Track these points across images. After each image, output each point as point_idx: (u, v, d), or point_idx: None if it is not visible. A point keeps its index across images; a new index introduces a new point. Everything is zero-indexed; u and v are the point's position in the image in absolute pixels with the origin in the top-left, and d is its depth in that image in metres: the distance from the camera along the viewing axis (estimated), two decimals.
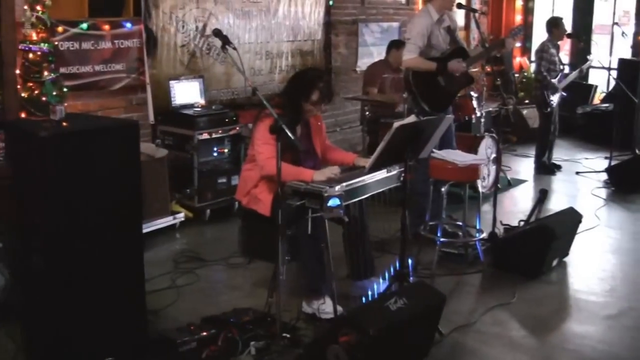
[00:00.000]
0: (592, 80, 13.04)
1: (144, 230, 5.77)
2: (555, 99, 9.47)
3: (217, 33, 4.74)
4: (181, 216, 7.00)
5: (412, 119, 5.00)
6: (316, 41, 9.29)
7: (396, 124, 4.65)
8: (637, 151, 10.56)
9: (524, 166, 10.14)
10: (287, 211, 4.61)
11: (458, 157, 6.06)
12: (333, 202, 4.61)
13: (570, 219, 6.49)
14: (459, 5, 6.84)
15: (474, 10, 7.62)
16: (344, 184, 4.80)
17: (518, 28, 7.36)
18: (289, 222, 4.74)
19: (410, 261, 5.45)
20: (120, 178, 4.24)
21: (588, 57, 9.95)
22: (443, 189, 6.10)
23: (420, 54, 6.63)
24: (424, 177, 6.16)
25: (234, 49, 4.62)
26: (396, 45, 8.80)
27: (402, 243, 5.07)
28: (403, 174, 5.08)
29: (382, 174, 5.12)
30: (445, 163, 6.00)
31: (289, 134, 4.32)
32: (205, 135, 7.15)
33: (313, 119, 5.39)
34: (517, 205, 8.23)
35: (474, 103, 8.18)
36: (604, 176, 9.38)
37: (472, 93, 8.16)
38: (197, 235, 6.95)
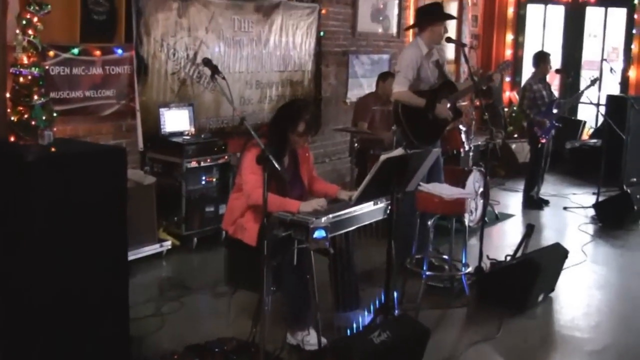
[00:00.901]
0: (580, 115, 13.12)
1: (131, 257, 5.75)
2: (546, 133, 9.50)
3: (207, 62, 4.75)
4: (168, 244, 6.98)
5: (399, 151, 5.01)
6: (306, 71, 9.33)
7: (383, 157, 4.67)
8: (624, 187, 10.60)
9: (512, 200, 10.16)
10: (272, 241, 4.61)
11: (445, 190, 6.07)
12: (319, 233, 4.61)
13: (557, 254, 6.50)
14: (448, 39, 6.89)
15: (463, 45, 7.65)
16: (330, 215, 4.80)
17: (506, 63, 7.42)
18: (275, 253, 4.73)
19: (395, 294, 5.44)
20: (106, 204, 4.24)
21: (590, 78, 9.99)
22: (429, 222, 6.10)
23: (410, 86, 6.66)
24: (411, 210, 6.16)
25: (223, 78, 4.62)
26: (383, 78, 8.85)
27: (388, 275, 5.05)
28: (390, 207, 5.08)
29: (369, 206, 5.13)
30: (432, 196, 6.00)
31: (276, 164, 4.32)
32: (194, 163, 7.15)
33: (301, 149, 5.40)
34: (505, 239, 8.25)
35: (463, 136, 8.24)
36: (592, 212, 9.41)
37: (461, 126, 8.21)
38: (184, 263, 6.93)
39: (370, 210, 5.17)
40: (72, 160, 4.13)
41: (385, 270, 5.07)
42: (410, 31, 11.21)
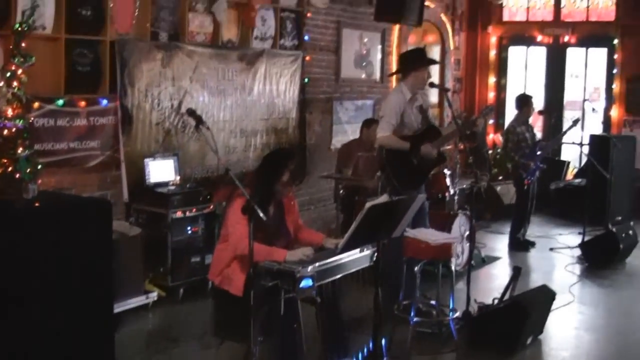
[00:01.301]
0: (564, 156, 13.21)
1: (117, 309, 5.72)
2: (531, 175, 9.56)
3: (191, 113, 4.79)
4: (154, 295, 6.91)
5: (384, 198, 5.03)
6: (291, 119, 9.36)
7: (368, 204, 4.68)
8: (609, 226, 10.63)
9: (498, 243, 10.17)
10: (259, 291, 4.59)
11: (431, 235, 6.09)
12: (305, 282, 4.62)
13: (544, 296, 6.51)
14: (432, 85, 6.95)
15: (446, 89, 7.76)
16: (317, 264, 4.81)
17: (489, 108, 7.48)
18: (262, 303, 4.72)
19: (383, 341, 5.41)
20: (92, 257, 4.23)
21: (572, 119, 10.11)
22: (416, 268, 6.10)
23: (394, 132, 6.69)
24: (397, 256, 6.16)
25: (208, 128, 4.67)
26: (367, 125, 8.88)
27: (375, 323, 5.04)
28: (376, 254, 5.08)
29: (355, 253, 5.14)
30: (418, 242, 6.02)
31: (261, 214, 4.33)
32: (179, 214, 7.13)
33: (286, 198, 5.42)
34: (492, 282, 8.24)
35: (448, 180, 8.26)
36: (578, 252, 9.43)
37: (446, 170, 8.24)
38: (170, 315, 6.86)
39: (357, 258, 5.18)
40: (57, 214, 4.12)
41: (373, 317, 5.05)
42: (394, 76, 11.34)
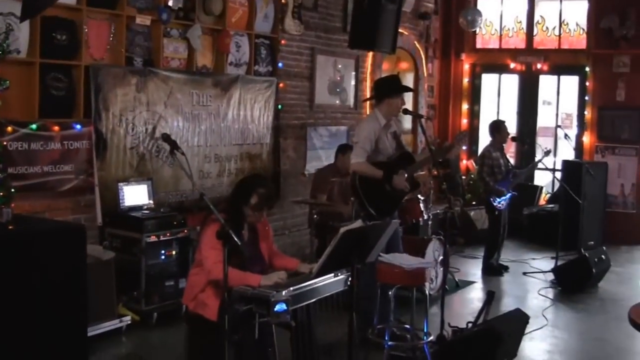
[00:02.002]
0: (537, 181, 13.32)
1: (90, 333, 5.68)
2: (503, 201, 9.64)
3: (166, 138, 4.80)
4: (128, 319, 6.86)
5: (358, 223, 5.06)
6: (265, 144, 9.38)
7: (342, 230, 4.71)
8: (582, 251, 10.73)
9: (472, 268, 10.22)
10: (234, 316, 4.59)
11: (405, 260, 6.11)
12: (280, 307, 4.61)
13: (517, 320, 6.51)
14: (405, 111, 6.99)
15: (420, 116, 7.79)
16: (291, 288, 4.81)
17: (462, 134, 7.55)
18: (236, 327, 4.71)
19: None
20: (66, 281, 4.20)
21: (544, 150, 10.23)
22: (390, 293, 6.12)
23: (367, 158, 6.72)
24: (371, 281, 6.17)
25: (182, 154, 4.68)
26: (342, 151, 8.92)
27: (350, 348, 5.04)
28: (350, 279, 5.10)
29: (329, 278, 5.16)
30: (392, 267, 6.04)
31: (236, 239, 4.34)
32: (153, 238, 7.11)
33: (260, 224, 5.43)
34: (466, 307, 8.28)
35: (421, 206, 8.31)
36: (551, 276, 9.50)
37: (420, 196, 8.29)
38: (144, 339, 6.82)
39: (331, 282, 5.19)
40: (32, 238, 4.11)
41: (347, 341, 5.05)
42: (368, 103, 11.41)
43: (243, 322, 4.77)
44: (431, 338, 6.30)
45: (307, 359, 5.33)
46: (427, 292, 6.30)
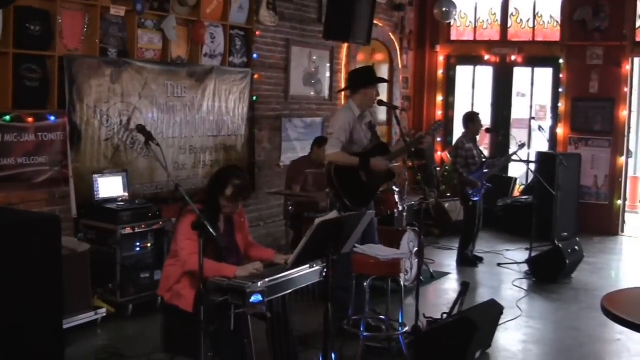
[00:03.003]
0: (511, 173, 13.40)
1: (65, 326, 5.65)
2: (478, 193, 9.68)
3: (141, 129, 4.78)
4: (103, 311, 6.85)
5: (334, 214, 5.07)
6: (240, 136, 9.36)
7: (318, 220, 4.72)
8: (556, 242, 10.82)
9: (447, 259, 10.27)
10: (209, 307, 4.59)
11: (380, 251, 6.14)
12: (255, 298, 4.62)
13: (492, 311, 6.59)
14: (380, 102, 7.00)
15: (395, 107, 7.82)
16: (267, 279, 4.81)
17: (437, 124, 7.54)
18: (212, 318, 4.72)
19: (333, 356, 5.43)
20: (42, 274, 4.18)
21: (518, 143, 10.30)
22: (365, 283, 6.14)
23: (342, 149, 6.73)
24: (346, 272, 6.19)
25: (157, 145, 4.66)
26: (318, 143, 8.93)
27: (325, 338, 5.05)
28: (325, 269, 5.11)
29: (305, 269, 5.17)
30: (368, 258, 6.06)
31: (211, 230, 4.33)
32: (129, 230, 7.09)
33: (236, 215, 5.43)
34: (440, 298, 8.32)
35: (396, 197, 8.33)
36: (525, 267, 9.58)
37: (395, 187, 8.31)
38: (120, 331, 6.80)
39: (306, 273, 5.20)
40: (6, 230, 4.07)
41: (323, 332, 5.07)
42: (343, 94, 11.42)
43: (219, 313, 4.77)
44: (407, 329, 6.33)
45: (283, 350, 5.35)
46: (402, 282, 6.32)
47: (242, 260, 5.36)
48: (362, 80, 6.91)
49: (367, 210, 6.30)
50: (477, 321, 6.06)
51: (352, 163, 6.69)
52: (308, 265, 5.18)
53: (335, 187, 6.69)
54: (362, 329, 6.11)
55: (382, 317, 6.62)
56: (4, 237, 4.02)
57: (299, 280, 5.14)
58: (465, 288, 6.82)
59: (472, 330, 6.00)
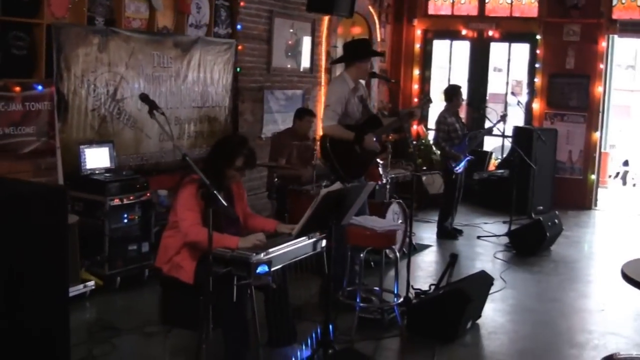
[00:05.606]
0: (486, 147, 13.50)
1: None
2: (460, 165, 9.74)
3: (144, 98, 4.70)
4: (91, 284, 6.78)
5: (337, 186, 5.07)
6: (223, 107, 9.29)
7: (324, 191, 4.73)
8: (532, 215, 10.96)
9: (425, 232, 10.32)
10: (212, 279, 4.56)
11: (376, 223, 6.16)
12: (262, 269, 4.62)
13: (483, 282, 6.66)
14: (373, 74, 6.99)
15: (388, 80, 7.81)
16: (270, 250, 4.80)
17: (427, 98, 7.51)
18: (214, 290, 4.69)
19: (331, 327, 5.45)
20: (48, 245, 4.15)
21: (500, 113, 10.38)
22: (362, 255, 6.17)
23: (338, 121, 6.70)
24: (341, 244, 6.19)
25: (162, 114, 4.61)
26: (299, 115, 8.94)
27: (326, 309, 5.08)
28: (326, 240, 5.13)
29: (304, 240, 5.16)
30: (363, 229, 6.08)
31: (222, 201, 4.29)
32: (117, 202, 7.02)
33: (235, 185, 5.39)
34: (424, 270, 8.37)
35: (380, 170, 8.35)
36: (504, 240, 9.69)
37: (378, 160, 8.33)
38: (109, 304, 6.76)
39: (307, 244, 5.20)
40: (12, 200, 4.02)
41: (324, 304, 5.10)
42: (323, 67, 11.40)
43: (221, 284, 4.74)
44: (401, 299, 6.36)
45: (282, 321, 5.36)
46: (397, 254, 6.37)
47: (241, 230, 5.33)
48: (358, 52, 6.86)
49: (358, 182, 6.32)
50: (471, 292, 6.14)
51: (347, 137, 6.65)
52: (307, 237, 5.17)
53: (331, 160, 6.65)
54: (358, 300, 6.15)
55: (376, 288, 6.66)
56: (10, 207, 3.97)
57: (300, 251, 5.14)
58: (454, 260, 6.88)
59: (465, 301, 6.07)
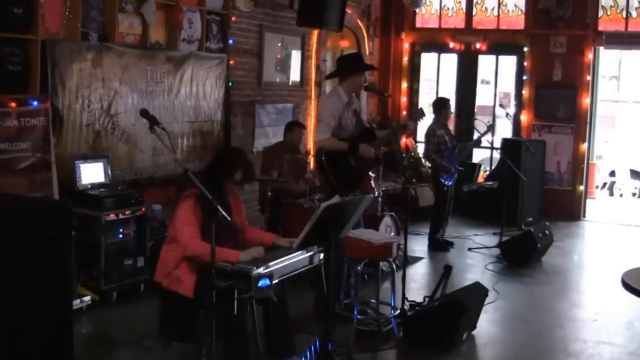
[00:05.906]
0: (475, 159, 13.57)
1: None
2: (450, 178, 9.81)
3: (144, 113, 4.77)
4: (88, 299, 6.78)
5: (336, 199, 5.11)
6: (216, 121, 9.32)
7: (324, 204, 4.77)
8: (522, 227, 11.02)
9: (417, 244, 10.35)
10: (212, 292, 4.58)
11: (372, 235, 6.21)
12: (263, 282, 4.65)
13: (478, 293, 6.71)
14: (367, 88, 7.04)
15: (382, 93, 7.86)
16: (270, 263, 4.84)
17: (420, 111, 7.57)
18: (214, 304, 4.71)
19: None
20: (52, 260, 4.17)
21: (486, 123, 10.46)
22: (359, 267, 6.21)
23: (331, 134, 6.73)
24: (338, 257, 6.22)
25: (163, 129, 4.64)
26: (290, 128, 9.01)
27: (325, 322, 5.12)
28: (324, 253, 5.17)
29: (302, 253, 5.19)
30: (360, 241, 6.12)
31: (226, 215, 4.33)
32: (112, 216, 7.03)
33: (232, 198, 5.42)
34: (417, 282, 8.42)
35: (372, 183, 8.40)
36: (495, 251, 9.75)
37: (371, 173, 8.37)
38: (106, 318, 6.76)
39: (305, 257, 5.23)
40: (15, 216, 4.04)
41: (320, 316, 5.13)
42: (313, 81, 11.45)
43: (221, 298, 4.77)
44: (398, 311, 6.40)
45: (280, 333, 5.38)
46: (394, 266, 6.41)
47: (239, 244, 5.35)
48: (351, 66, 6.91)
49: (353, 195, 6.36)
50: (466, 303, 6.19)
51: (341, 148, 6.68)
52: (305, 250, 5.21)
53: (326, 173, 6.69)
54: (355, 312, 6.18)
55: (372, 300, 6.69)
56: (14, 223, 3.99)
57: (297, 264, 5.17)
58: (448, 271, 6.92)
59: (460, 312, 6.12)
